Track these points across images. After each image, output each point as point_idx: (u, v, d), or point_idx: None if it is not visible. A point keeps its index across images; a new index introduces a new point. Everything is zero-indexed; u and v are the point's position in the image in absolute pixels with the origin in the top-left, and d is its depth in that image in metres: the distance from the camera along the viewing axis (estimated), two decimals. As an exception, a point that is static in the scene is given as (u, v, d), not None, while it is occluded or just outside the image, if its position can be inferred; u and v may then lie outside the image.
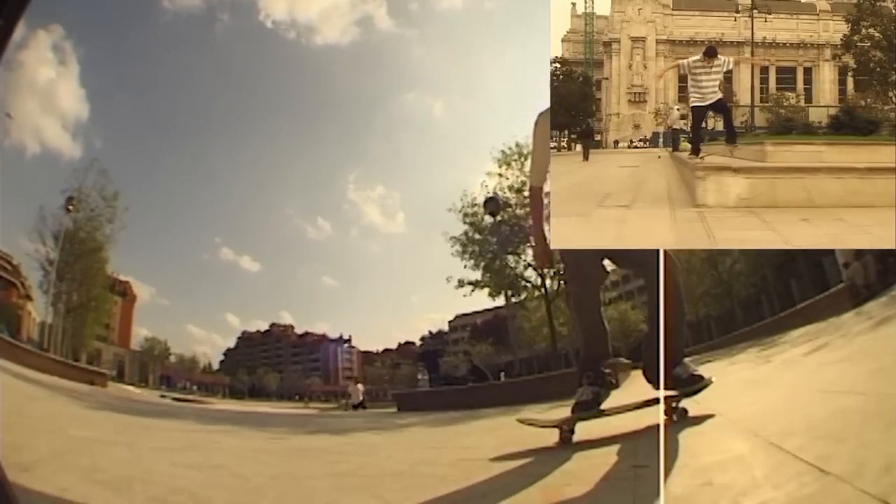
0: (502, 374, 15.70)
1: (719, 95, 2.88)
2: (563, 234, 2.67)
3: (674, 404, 2.63)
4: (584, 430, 3.02)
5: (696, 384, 2.65)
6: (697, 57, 2.97)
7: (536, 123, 2.99)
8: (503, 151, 18.61)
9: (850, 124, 3.21)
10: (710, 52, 3.03)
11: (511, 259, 19.09)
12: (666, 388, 2.68)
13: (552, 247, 2.99)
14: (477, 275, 18.26)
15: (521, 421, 3.29)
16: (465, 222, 11.59)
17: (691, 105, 2.93)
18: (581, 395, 2.77)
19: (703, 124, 3.14)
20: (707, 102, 2.89)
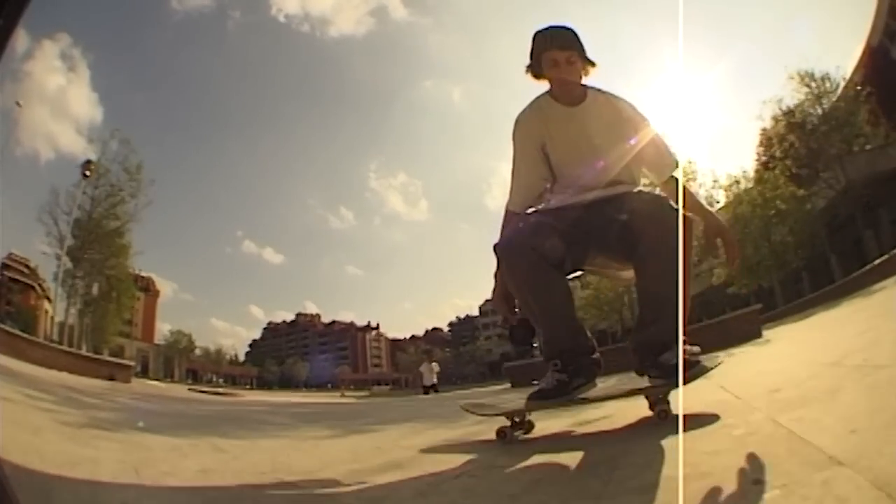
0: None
1: None
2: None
3: (658, 396, 1.97)
4: (548, 426, 2.32)
5: (682, 373, 1.88)
6: None
7: (517, 123, 2.26)
8: None
9: None
10: None
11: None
12: (651, 379, 2.04)
13: None
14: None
15: (465, 408, 2.67)
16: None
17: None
18: (541, 382, 2.16)
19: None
20: None
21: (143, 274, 23.00)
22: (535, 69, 2.12)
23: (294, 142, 58.09)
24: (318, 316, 48.64)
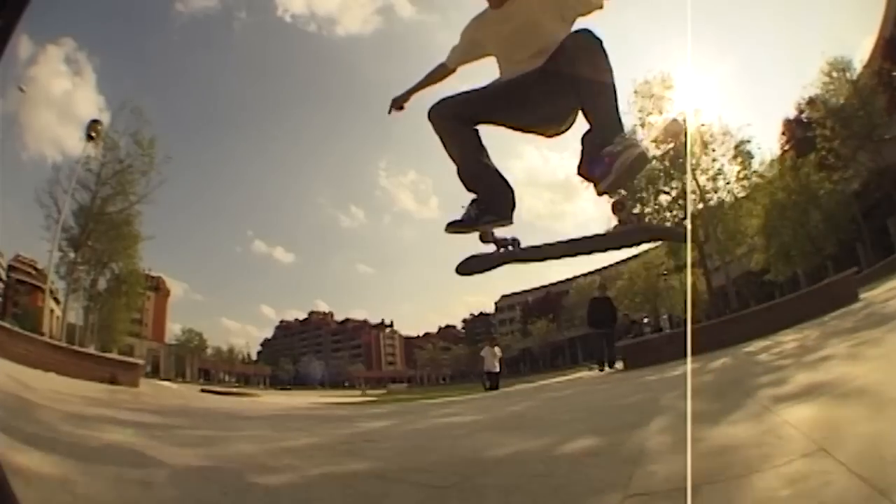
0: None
1: None
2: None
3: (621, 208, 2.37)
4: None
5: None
6: None
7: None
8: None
9: None
10: None
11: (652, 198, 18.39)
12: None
13: None
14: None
15: None
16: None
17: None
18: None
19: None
20: None
21: (153, 274, 22.30)
22: None
23: (303, 141, 57.80)
24: (330, 314, 48.47)
